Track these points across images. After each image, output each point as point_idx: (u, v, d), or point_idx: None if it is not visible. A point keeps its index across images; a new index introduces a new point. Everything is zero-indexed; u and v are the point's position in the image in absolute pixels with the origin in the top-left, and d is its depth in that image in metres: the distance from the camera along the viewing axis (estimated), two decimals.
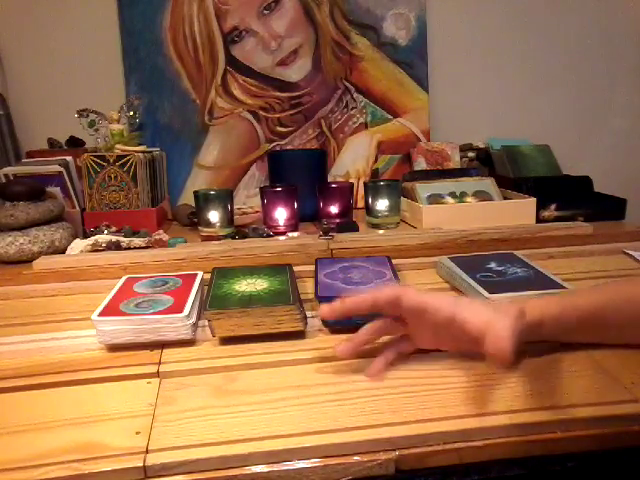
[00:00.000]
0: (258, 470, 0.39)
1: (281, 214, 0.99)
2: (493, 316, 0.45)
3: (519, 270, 0.69)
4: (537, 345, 0.54)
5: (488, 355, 0.42)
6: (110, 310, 0.57)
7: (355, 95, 1.30)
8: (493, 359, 0.42)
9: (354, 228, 0.97)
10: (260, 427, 0.42)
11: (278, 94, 1.27)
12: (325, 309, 0.50)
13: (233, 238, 0.93)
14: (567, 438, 0.41)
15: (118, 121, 1.11)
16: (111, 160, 0.99)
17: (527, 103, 1.41)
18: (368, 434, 0.41)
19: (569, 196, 1.06)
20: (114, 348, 0.56)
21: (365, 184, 1.05)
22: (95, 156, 0.99)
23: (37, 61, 1.24)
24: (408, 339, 0.52)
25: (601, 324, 0.51)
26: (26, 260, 0.83)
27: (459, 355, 0.53)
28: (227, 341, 0.56)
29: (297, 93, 1.28)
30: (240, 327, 0.56)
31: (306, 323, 0.58)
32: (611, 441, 0.42)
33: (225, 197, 0.98)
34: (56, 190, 0.98)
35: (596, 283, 0.69)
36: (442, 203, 1.01)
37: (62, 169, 1.01)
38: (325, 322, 0.58)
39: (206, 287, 0.64)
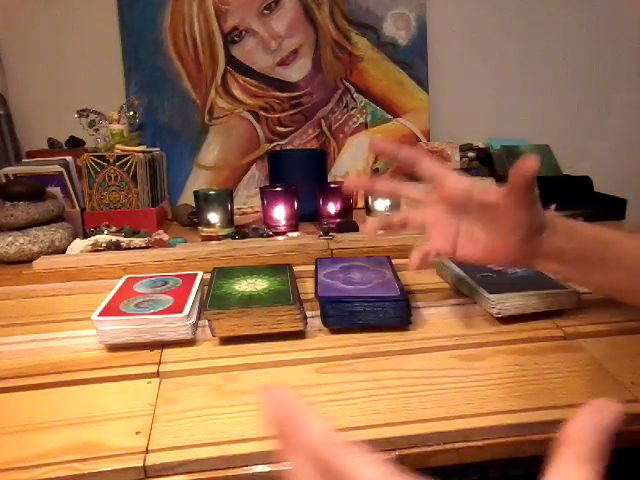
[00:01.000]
0: (258, 470, 0.39)
1: (281, 214, 0.99)
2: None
3: (519, 270, 0.69)
4: (537, 345, 0.54)
5: (515, 177, 0.43)
6: (110, 310, 0.57)
7: (355, 95, 1.30)
8: (519, 173, 0.43)
9: (354, 228, 0.97)
10: (260, 427, 0.42)
11: (278, 94, 1.27)
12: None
13: (233, 238, 0.93)
14: None
15: (118, 121, 1.11)
16: (111, 160, 0.99)
17: (527, 103, 1.41)
18: (368, 434, 0.41)
19: (569, 196, 1.06)
20: (114, 348, 0.56)
21: None
22: (95, 156, 0.99)
23: (37, 61, 1.24)
24: (430, 241, 0.51)
25: (611, 255, 0.48)
26: (26, 260, 0.83)
27: (459, 355, 0.53)
28: (227, 341, 0.56)
29: (297, 93, 1.28)
30: (240, 327, 0.56)
31: (306, 323, 0.58)
32: (611, 441, 0.42)
33: (225, 197, 0.98)
34: (56, 190, 0.98)
35: None
36: None
37: (62, 169, 1.01)
38: (325, 322, 0.58)
39: (206, 287, 0.64)
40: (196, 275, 0.68)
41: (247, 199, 1.26)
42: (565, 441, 0.24)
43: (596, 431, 0.24)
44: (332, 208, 1.02)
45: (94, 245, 0.86)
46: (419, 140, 1.31)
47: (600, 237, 0.49)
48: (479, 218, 0.48)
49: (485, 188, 0.47)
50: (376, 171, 1.29)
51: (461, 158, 1.29)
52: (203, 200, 0.97)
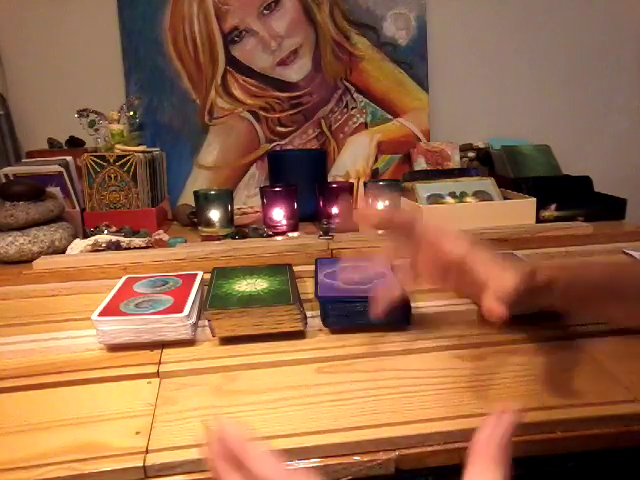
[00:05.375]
0: None
1: (281, 214, 0.99)
2: (504, 267, 0.45)
3: None
4: (537, 344, 0.54)
5: (485, 306, 0.43)
6: (110, 310, 0.57)
7: (355, 95, 1.30)
8: (489, 311, 0.42)
9: (354, 228, 0.97)
10: (260, 427, 0.42)
11: (278, 94, 1.27)
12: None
13: (233, 238, 0.93)
14: (567, 438, 0.41)
15: (118, 121, 1.11)
16: (111, 160, 0.99)
17: (527, 103, 1.40)
18: (368, 434, 0.41)
19: (569, 196, 1.06)
20: (114, 348, 0.56)
21: (365, 184, 1.05)
22: (95, 156, 0.99)
23: (37, 61, 1.24)
24: (414, 268, 0.52)
25: (613, 295, 0.49)
26: (26, 260, 0.83)
27: (459, 355, 0.53)
28: (227, 341, 0.56)
29: (297, 93, 1.28)
30: (240, 327, 0.56)
31: (306, 323, 0.58)
32: (611, 441, 0.42)
33: (225, 197, 0.98)
34: (56, 190, 0.98)
35: None
36: (442, 203, 1.01)
37: (62, 169, 1.01)
38: (325, 322, 0.58)
39: (206, 287, 0.64)
40: (196, 275, 0.68)
41: (247, 199, 1.26)
42: (474, 449, 0.29)
43: (498, 438, 0.29)
44: (332, 208, 1.02)
45: (94, 245, 0.86)
46: (419, 140, 1.31)
47: (605, 275, 0.50)
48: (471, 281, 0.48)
49: (478, 259, 0.46)
50: (376, 171, 1.29)
51: (461, 158, 1.29)
52: (203, 200, 0.97)
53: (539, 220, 0.99)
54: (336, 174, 1.30)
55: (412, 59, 1.30)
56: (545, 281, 0.47)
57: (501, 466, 0.28)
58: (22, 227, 0.86)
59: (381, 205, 1.01)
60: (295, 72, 1.27)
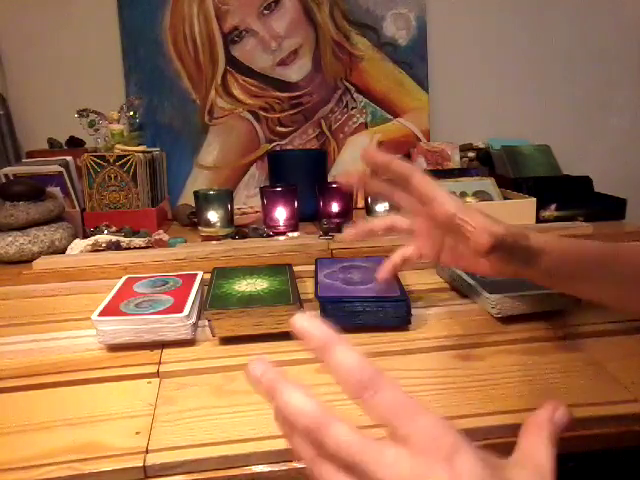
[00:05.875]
0: (258, 470, 0.39)
1: (281, 214, 0.99)
2: (495, 221, 0.46)
3: None
4: (537, 344, 0.54)
5: (472, 238, 0.44)
6: (110, 310, 0.57)
7: (355, 95, 1.30)
8: (475, 242, 0.44)
9: None
10: (260, 427, 0.42)
11: (278, 94, 1.27)
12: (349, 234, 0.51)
13: (233, 238, 0.93)
14: (567, 438, 0.41)
15: (118, 121, 1.11)
16: (111, 160, 0.99)
17: (527, 103, 1.40)
18: (368, 434, 0.41)
19: (569, 196, 1.06)
20: (114, 348, 0.56)
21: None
22: (95, 156, 0.99)
23: (37, 61, 1.24)
24: (415, 246, 0.53)
25: (608, 274, 0.49)
26: (26, 260, 0.83)
27: (459, 355, 0.53)
28: (227, 341, 0.56)
29: (297, 93, 1.28)
30: (240, 327, 0.56)
31: None
32: (611, 441, 0.42)
33: (225, 197, 0.98)
34: (56, 190, 0.98)
35: None
36: None
37: (62, 169, 1.01)
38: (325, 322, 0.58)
39: (206, 287, 0.64)
40: (196, 275, 0.68)
41: (247, 199, 1.26)
42: (529, 427, 0.29)
43: (554, 423, 0.29)
44: (332, 208, 1.02)
45: (94, 245, 0.86)
46: (419, 140, 1.31)
47: (601, 252, 0.49)
48: (461, 239, 0.48)
49: (467, 215, 0.46)
50: None
51: (461, 158, 1.29)
52: (203, 200, 0.97)
53: (539, 220, 0.99)
54: (336, 174, 1.29)
55: (412, 59, 1.30)
56: (539, 245, 0.47)
57: (554, 446, 0.28)
58: (22, 227, 0.86)
59: (381, 204, 1.01)
60: (295, 72, 1.27)
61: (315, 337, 0.28)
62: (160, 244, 0.89)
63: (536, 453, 0.28)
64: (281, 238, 0.90)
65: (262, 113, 1.27)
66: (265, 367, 0.28)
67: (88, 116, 1.12)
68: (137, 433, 0.42)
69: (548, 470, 0.27)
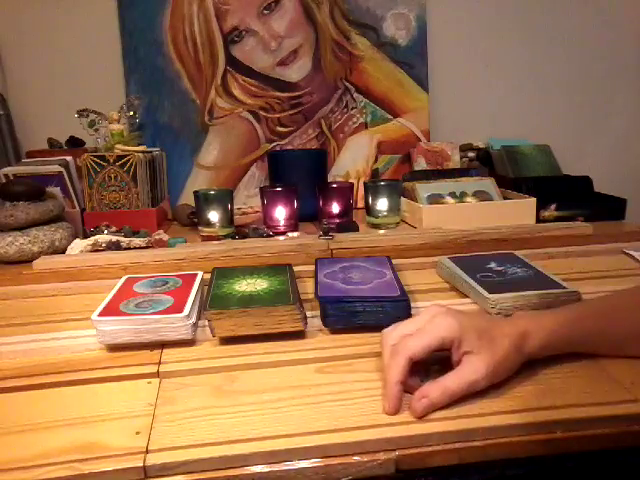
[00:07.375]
0: (258, 470, 0.39)
1: (281, 214, 0.99)
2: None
3: (519, 270, 0.69)
4: None
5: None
6: (110, 310, 0.57)
7: (355, 95, 1.30)
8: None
9: (354, 228, 0.97)
10: (260, 427, 0.42)
11: (278, 94, 1.27)
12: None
13: (233, 238, 0.93)
14: (567, 438, 0.41)
15: (118, 121, 1.11)
16: (111, 160, 0.99)
17: (527, 103, 1.41)
18: (368, 434, 0.41)
19: (569, 196, 1.06)
20: (114, 348, 0.56)
21: (365, 184, 1.05)
22: (95, 156, 0.99)
23: (37, 61, 1.24)
24: None
25: (605, 338, 0.50)
26: (26, 260, 0.83)
27: None
28: (227, 341, 0.56)
29: (297, 93, 1.28)
30: (240, 327, 0.56)
31: (306, 323, 0.58)
32: (611, 441, 0.42)
33: (225, 197, 0.98)
34: (56, 190, 0.98)
35: (596, 283, 0.69)
36: (442, 203, 1.01)
37: (62, 169, 1.01)
38: (325, 322, 0.58)
39: (206, 287, 0.64)
40: (196, 275, 0.68)
41: (247, 199, 1.26)
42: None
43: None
44: (332, 208, 1.02)
45: (94, 245, 0.86)
46: (419, 140, 1.31)
47: (596, 327, 0.50)
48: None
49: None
50: (376, 171, 1.29)
51: (461, 158, 1.29)
52: (203, 200, 0.97)
53: (539, 220, 0.99)
54: (336, 174, 1.30)
55: (412, 59, 1.30)
56: (541, 344, 0.47)
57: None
58: (22, 227, 0.86)
59: (382, 204, 1.01)
60: (295, 72, 1.27)
61: None
62: (160, 244, 0.89)
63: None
64: (281, 238, 0.90)
65: (262, 113, 1.27)
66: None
67: (88, 116, 1.12)
68: (137, 433, 0.42)
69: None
